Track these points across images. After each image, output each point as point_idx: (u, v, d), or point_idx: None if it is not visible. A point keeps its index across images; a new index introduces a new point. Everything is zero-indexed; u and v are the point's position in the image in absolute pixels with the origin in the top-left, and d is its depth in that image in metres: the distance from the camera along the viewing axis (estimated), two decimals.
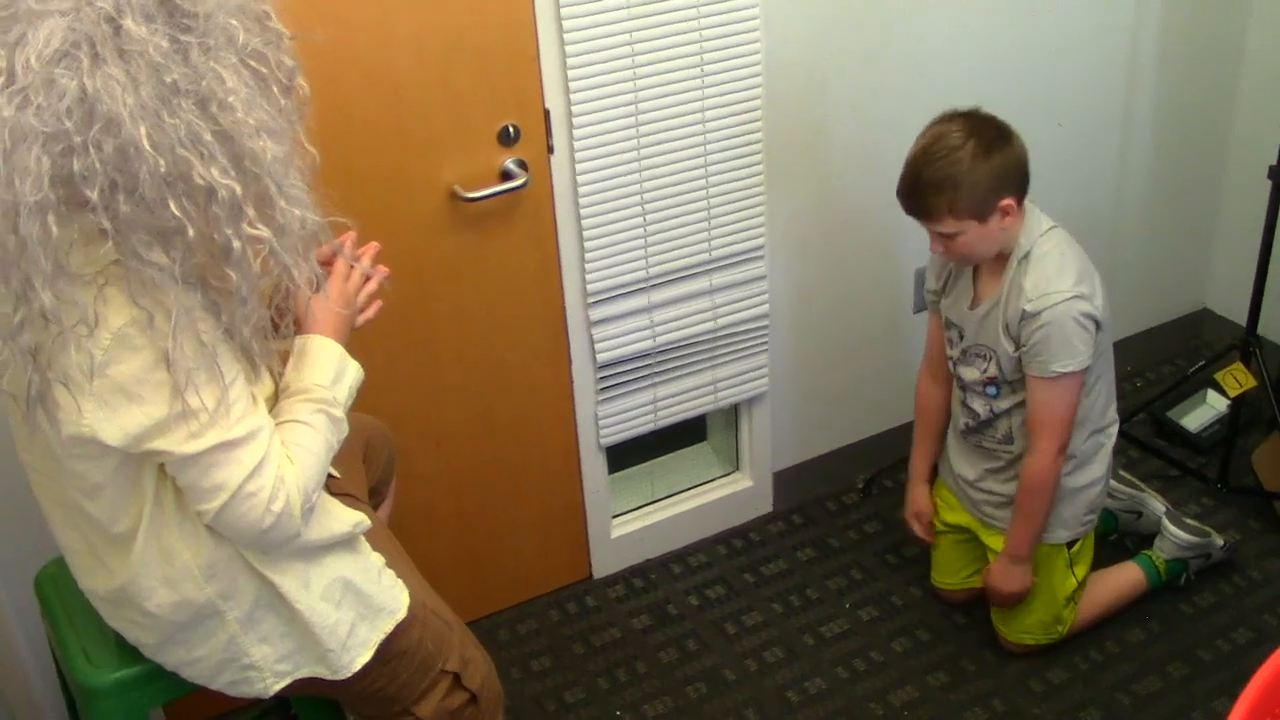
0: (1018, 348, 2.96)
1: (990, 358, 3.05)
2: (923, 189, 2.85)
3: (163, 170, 1.68)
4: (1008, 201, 2.86)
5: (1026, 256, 2.93)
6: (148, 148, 1.66)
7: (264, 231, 1.82)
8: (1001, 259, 2.98)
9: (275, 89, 1.84)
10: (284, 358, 2.14)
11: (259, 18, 1.83)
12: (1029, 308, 2.89)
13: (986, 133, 2.85)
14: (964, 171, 2.80)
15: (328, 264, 2.22)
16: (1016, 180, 2.89)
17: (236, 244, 1.79)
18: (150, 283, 1.77)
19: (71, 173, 1.66)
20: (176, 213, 1.72)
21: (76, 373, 1.79)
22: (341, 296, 2.22)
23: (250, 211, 1.79)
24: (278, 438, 1.99)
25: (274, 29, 1.85)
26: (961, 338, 3.13)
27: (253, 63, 1.79)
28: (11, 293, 1.74)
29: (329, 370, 2.13)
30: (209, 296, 1.86)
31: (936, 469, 3.47)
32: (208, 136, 1.72)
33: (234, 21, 1.76)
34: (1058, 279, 2.90)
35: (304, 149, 1.92)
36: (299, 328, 2.17)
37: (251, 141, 1.76)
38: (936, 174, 2.82)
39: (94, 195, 1.67)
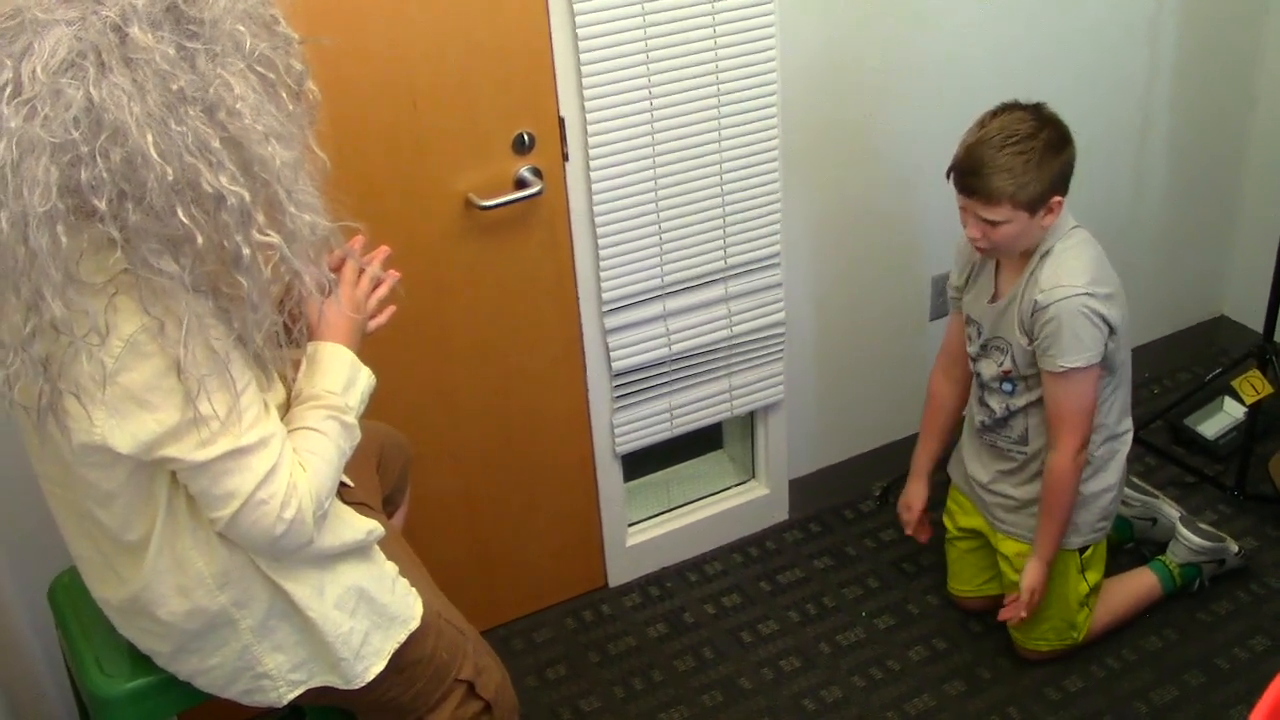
0: (1031, 341, 2.96)
1: (1007, 351, 3.04)
2: (991, 172, 2.82)
3: (170, 178, 1.68)
4: (1058, 199, 2.88)
5: (1049, 253, 2.94)
6: (155, 156, 1.66)
7: (274, 238, 1.82)
8: (1026, 254, 2.98)
9: (284, 94, 1.83)
10: (297, 365, 2.13)
11: (267, 23, 1.82)
12: (1040, 298, 2.90)
13: (1056, 128, 2.88)
14: (1035, 163, 2.81)
15: (337, 269, 2.22)
16: (1068, 179, 2.92)
17: (246, 251, 1.79)
18: (160, 291, 1.77)
19: (79, 183, 1.66)
20: (185, 220, 1.71)
21: (88, 382, 1.79)
22: (351, 301, 2.22)
23: (259, 218, 1.79)
24: (289, 445, 1.99)
25: (282, 33, 1.85)
26: (980, 333, 3.12)
27: (260, 68, 1.79)
28: (22, 303, 1.74)
29: (341, 377, 2.13)
30: (220, 303, 1.85)
31: (943, 468, 3.47)
32: (215, 143, 1.71)
33: (241, 27, 1.75)
34: (1071, 275, 2.90)
35: (314, 154, 1.92)
36: (311, 334, 2.17)
37: (260, 147, 1.76)
38: (1008, 160, 2.81)
39: (102, 205, 1.67)
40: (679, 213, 3.25)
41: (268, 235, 1.81)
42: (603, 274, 3.21)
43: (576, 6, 2.90)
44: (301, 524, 1.97)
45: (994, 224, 2.87)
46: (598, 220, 3.15)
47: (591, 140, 3.05)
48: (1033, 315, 2.93)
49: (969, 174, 2.87)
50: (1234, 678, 3.26)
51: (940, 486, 3.48)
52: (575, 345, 3.30)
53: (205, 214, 1.74)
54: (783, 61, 3.23)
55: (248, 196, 1.76)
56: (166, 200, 1.69)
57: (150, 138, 1.65)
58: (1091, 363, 2.92)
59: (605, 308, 3.27)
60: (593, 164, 3.08)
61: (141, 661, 2.25)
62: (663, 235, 3.25)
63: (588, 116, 3.03)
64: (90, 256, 1.76)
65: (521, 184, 3.03)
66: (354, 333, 2.20)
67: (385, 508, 2.63)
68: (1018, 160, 2.81)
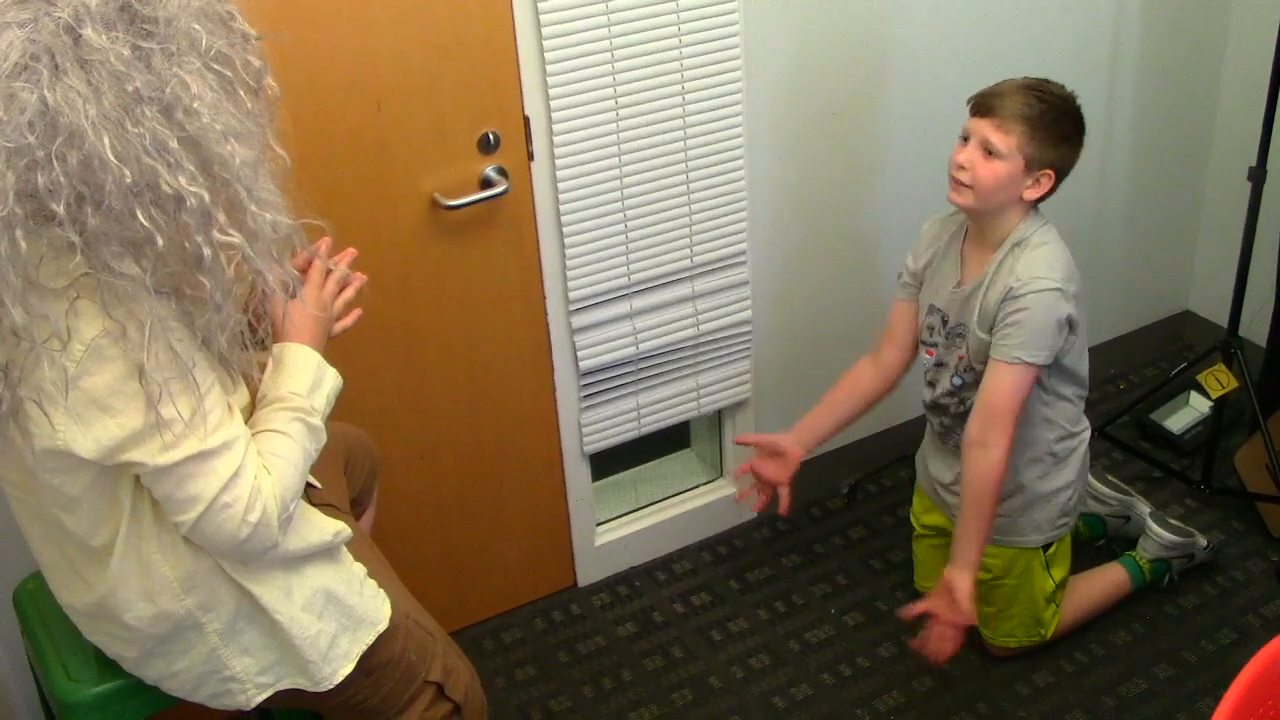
0: (989, 331, 2.95)
1: (965, 337, 3.03)
2: (1016, 100, 2.84)
3: (128, 180, 1.67)
4: (1048, 173, 2.88)
5: (1022, 243, 2.93)
6: (112, 158, 1.65)
7: (235, 237, 1.80)
8: (994, 242, 2.97)
9: (242, 91, 1.82)
10: (262, 367, 2.12)
11: (223, 19, 1.81)
12: (1015, 285, 2.88)
13: (1080, 120, 2.94)
14: (1052, 121, 2.85)
15: (304, 269, 2.21)
16: (1067, 170, 2.94)
17: (208, 251, 1.78)
18: (122, 294, 1.76)
19: (37, 187, 1.65)
20: (145, 222, 1.70)
21: (50, 387, 1.78)
22: (317, 301, 2.21)
23: (220, 217, 1.78)
24: (254, 447, 1.98)
25: (239, 30, 1.84)
26: (945, 322, 3.10)
27: (217, 66, 1.77)
28: None
29: (306, 378, 2.12)
30: (183, 305, 1.84)
31: (819, 444, 3.42)
32: (173, 144, 1.70)
33: (197, 25, 1.74)
34: (1049, 268, 2.89)
35: (275, 151, 1.91)
36: (276, 334, 2.16)
37: (219, 146, 1.75)
38: (1033, 100, 2.84)
39: (60, 209, 1.66)
40: (645, 211, 3.24)
41: (229, 235, 1.80)
42: (569, 273, 3.21)
43: (541, 5, 2.90)
44: (266, 527, 1.97)
45: (990, 155, 2.85)
46: (564, 219, 3.14)
47: (557, 139, 3.05)
48: (1002, 301, 2.91)
49: (991, 95, 2.89)
50: (1202, 670, 3.27)
51: (905, 484, 3.48)
52: (542, 344, 3.30)
53: (165, 215, 1.72)
54: (747, 59, 3.23)
55: (208, 196, 1.74)
56: (125, 202, 1.68)
57: (107, 140, 1.64)
58: (1045, 362, 2.90)
59: (572, 307, 3.26)
60: (558, 163, 3.08)
61: (108, 666, 2.24)
62: (629, 234, 3.24)
63: (553, 116, 3.02)
64: (50, 261, 1.75)
65: (487, 184, 3.02)
66: (320, 334, 2.20)
67: (353, 510, 2.63)
68: (1040, 106, 2.84)
